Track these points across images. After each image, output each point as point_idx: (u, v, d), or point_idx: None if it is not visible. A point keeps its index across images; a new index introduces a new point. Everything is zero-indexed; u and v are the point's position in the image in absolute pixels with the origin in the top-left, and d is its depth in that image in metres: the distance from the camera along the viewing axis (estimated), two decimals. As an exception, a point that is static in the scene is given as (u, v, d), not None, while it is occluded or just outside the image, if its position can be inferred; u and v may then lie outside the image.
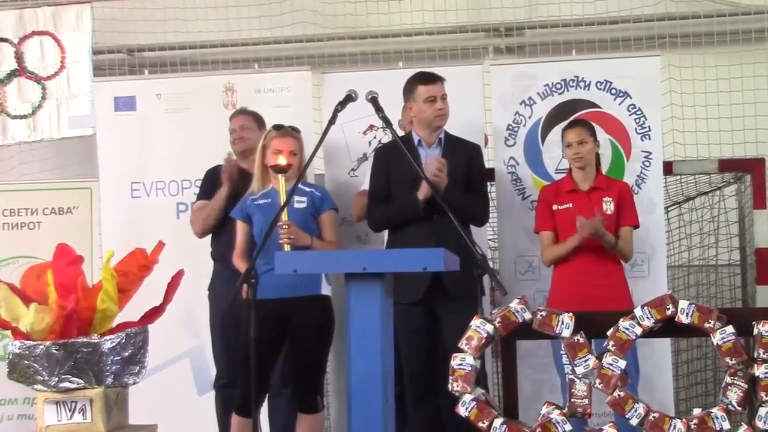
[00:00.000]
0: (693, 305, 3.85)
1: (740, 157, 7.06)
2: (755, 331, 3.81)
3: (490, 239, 6.50)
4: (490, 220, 5.99)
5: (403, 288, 4.83)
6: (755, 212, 6.76)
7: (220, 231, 5.66)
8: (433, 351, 5.30)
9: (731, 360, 3.80)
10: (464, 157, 5.43)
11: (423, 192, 5.18)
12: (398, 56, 7.43)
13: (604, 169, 5.89)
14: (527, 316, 3.93)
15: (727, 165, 6.84)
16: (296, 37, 8.29)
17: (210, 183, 5.77)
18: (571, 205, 5.47)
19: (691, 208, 7.57)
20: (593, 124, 5.74)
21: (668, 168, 6.61)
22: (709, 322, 3.82)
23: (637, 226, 5.58)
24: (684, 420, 3.82)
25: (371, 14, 8.26)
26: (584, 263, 5.38)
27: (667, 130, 7.22)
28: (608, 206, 5.46)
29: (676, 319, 3.85)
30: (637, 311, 3.87)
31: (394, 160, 5.30)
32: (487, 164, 6.26)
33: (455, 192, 5.22)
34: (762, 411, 3.77)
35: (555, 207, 5.52)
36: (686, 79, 7.56)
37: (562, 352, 4.80)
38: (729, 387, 3.80)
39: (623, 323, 3.86)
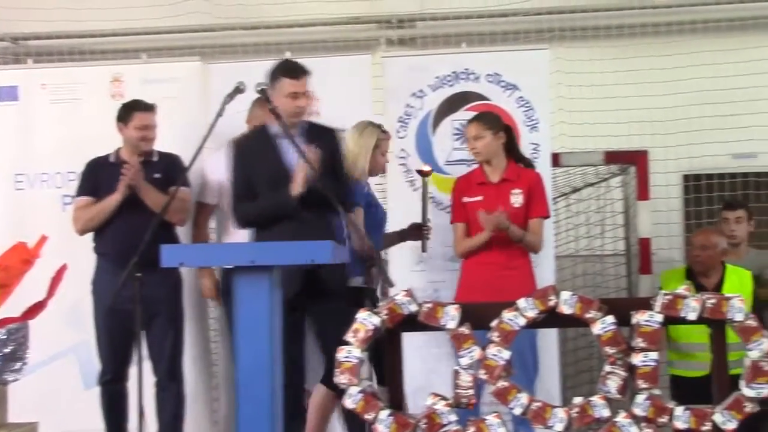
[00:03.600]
0: (575, 296, 3.91)
1: (625, 150, 7.20)
2: (633, 321, 3.89)
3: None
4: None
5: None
6: (639, 203, 6.94)
7: (103, 226, 5.56)
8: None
9: (611, 349, 3.88)
10: (328, 144, 5.15)
11: (297, 186, 4.95)
12: (290, 47, 7.39)
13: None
14: (413, 308, 3.95)
15: (612, 157, 6.99)
16: (186, 27, 8.20)
17: (91, 177, 5.66)
18: (481, 197, 5.53)
19: (579, 199, 7.71)
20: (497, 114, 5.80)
21: (556, 160, 6.73)
22: (590, 313, 3.89)
23: (547, 217, 5.67)
24: (565, 409, 3.89)
25: (263, 4, 8.22)
26: (491, 254, 5.45)
27: (555, 122, 7.35)
28: (517, 198, 5.53)
29: (558, 310, 3.91)
30: (521, 302, 3.92)
31: (254, 154, 5.10)
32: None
33: (328, 182, 4.95)
34: (639, 398, 3.86)
35: (466, 199, 5.58)
36: (574, 72, 7.69)
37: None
38: (608, 375, 3.87)
39: (507, 314, 3.91)
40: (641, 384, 3.86)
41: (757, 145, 7.88)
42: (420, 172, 5.89)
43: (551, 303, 3.91)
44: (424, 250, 5.84)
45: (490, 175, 5.62)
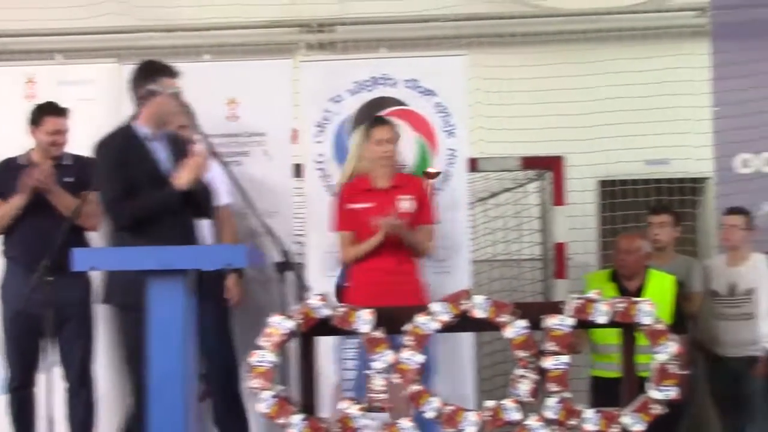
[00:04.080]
0: (488, 300, 3.96)
1: (542, 155, 7.28)
2: (545, 325, 3.95)
3: (297, 234, 6.50)
4: (299, 215, 6.02)
5: None
6: (555, 208, 7.02)
7: (13, 229, 5.47)
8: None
9: (523, 353, 3.93)
10: (185, 152, 5.02)
11: (184, 180, 4.85)
12: (208, 50, 7.32)
13: (412, 167, 6.06)
14: (327, 312, 3.96)
15: (528, 163, 7.07)
16: (103, 28, 8.09)
17: (2, 177, 5.57)
18: (372, 204, 5.52)
19: (497, 204, 7.78)
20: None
21: (473, 165, 6.77)
22: (503, 316, 3.94)
23: (436, 223, 5.69)
24: (478, 412, 3.93)
25: (182, 7, 8.14)
26: (380, 260, 5.45)
27: (473, 128, 7.40)
28: (409, 204, 5.55)
29: (471, 314, 3.94)
30: (434, 306, 3.95)
31: (128, 154, 4.92)
32: (295, 160, 6.31)
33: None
34: (550, 401, 3.92)
35: (353, 206, 5.55)
36: (492, 78, 7.74)
37: (344, 348, 4.94)
38: (520, 379, 3.92)
39: (420, 318, 3.94)
40: (552, 387, 3.92)
41: (669, 152, 8.01)
42: (427, 174, 5.93)
43: (464, 307, 3.94)
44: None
45: (378, 181, 5.61)
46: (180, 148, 5.01)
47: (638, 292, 6.12)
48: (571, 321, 3.92)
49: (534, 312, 3.98)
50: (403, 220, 5.44)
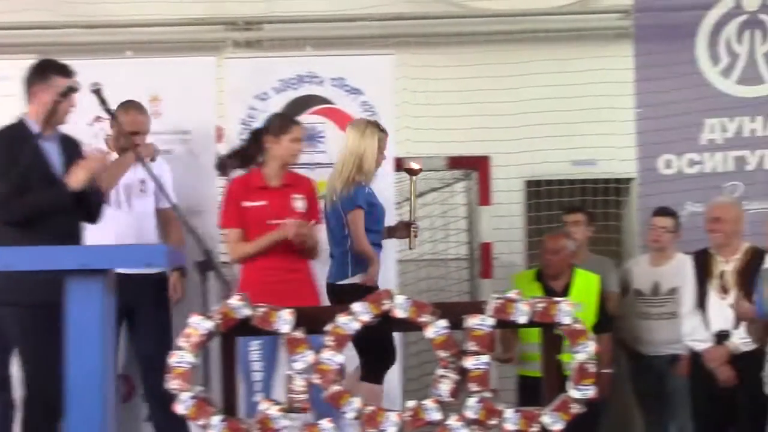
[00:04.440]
0: (409, 300, 3.95)
1: (468, 155, 7.30)
2: (466, 325, 3.95)
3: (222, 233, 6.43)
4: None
5: None
6: (481, 208, 7.04)
7: None
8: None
9: (443, 353, 3.92)
10: (78, 156, 5.02)
11: (76, 180, 4.81)
12: (133, 47, 7.22)
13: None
14: (247, 312, 3.92)
15: (454, 163, 7.10)
16: (26, 23, 7.94)
17: None
18: (265, 202, 5.48)
19: (424, 203, 7.77)
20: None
21: (400, 165, 6.77)
22: (424, 316, 3.93)
23: (320, 223, 5.70)
24: (398, 412, 3.92)
25: (107, 3, 8.02)
26: (272, 259, 5.41)
27: (400, 127, 7.41)
28: (300, 203, 5.53)
29: (392, 314, 3.93)
30: (355, 306, 3.93)
31: (20, 150, 4.77)
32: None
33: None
34: (470, 401, 3.92)
35: (246, 204, 5.50)
36: (420, 78, 7.76)
37: (251, 349, 4.93)
38: (441, 379, 3.92)
39: (341, 318, 3.92)
40: (473, 387, 3.92)
41: (596, 153, 8.08)
42: (408, 171, 5.95)
43: (385, 307, 3.93)
44: (411, 247, 5.93)
45: (271, 179, 5.57)
46: (72, 148, 4.97)
47: (564, 292, 6.20)
48: (491, 321, 3.93)
49: (455, 312, 3.98)
50: (304, 220, 5.43)
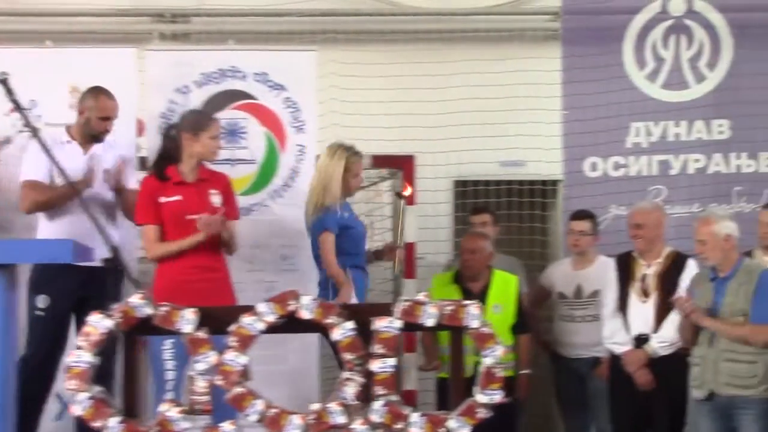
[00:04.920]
0: (315, 301, 3.89)
1: (393, 154, 7.25)
2: (373, 327, 3.90)
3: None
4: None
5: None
6: (405, 208, 6.98)
7: None
8: None
9: (350, 355, 3.87)
10: None
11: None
12: (58, 37, 7.07)
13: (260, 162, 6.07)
14: (148, 311, 3.83)
15: (380, 161, 7.02)
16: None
17: None
18: (180, 197, 5.39)
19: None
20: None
21: (324, 162, 6.70)
22: (330, 318, 3.87)
23: (238, 218, 5.63)
24: (302, 415, 3.85)
25: (33, -8, 7.86)
26: (191, 257, 5.32)
27: (328, 124, 7.36)
28: (216, 199, 5.45)
29: (298, 315, 3.87)
30: (260, 306, 3.86)
31: None
32: (141, 153, 6.14)
33: None
34: (376, 405, 3.87)
35: (162, 199, 5.40)
36: (348, 75, 7.70)
37: (164, 348, 4.82)
38: (346, 381, 3.86)
39: (245, 319, 3.85)
40: (379, 390, 3.87)
41: (524, 154, 8.08)
42: (399, 195, 5.96)
43: (291, 308, 3.87)
44: (395, 271, 5.78)
45: (187, 175, 5.49)
46: None
47: (482, 293, 6.17)
48: (399, 324, 3.88)
49: (363, 314, 3.92)
50: (221, 215, 5.34)
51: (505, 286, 6.29)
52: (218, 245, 5.41)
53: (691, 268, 6.07)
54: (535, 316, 6.76)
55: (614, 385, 6.22)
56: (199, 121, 5.53)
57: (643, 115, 7.50)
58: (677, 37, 7.49)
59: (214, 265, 5.41)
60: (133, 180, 5.73)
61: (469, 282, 6.19)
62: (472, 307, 3.93)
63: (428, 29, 8.07)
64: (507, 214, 7.91)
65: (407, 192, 5.97)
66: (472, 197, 7.98)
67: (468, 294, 6.02)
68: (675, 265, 6.11)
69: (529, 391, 6.43)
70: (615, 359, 6.17)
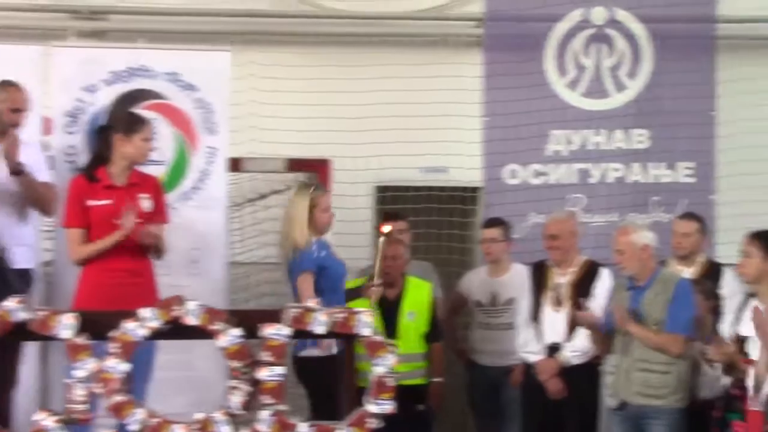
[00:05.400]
0: (201, 306, 3.78)
1: (309, 158, 7.14)
2: (262, 334, 3.79)
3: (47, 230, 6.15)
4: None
5: None
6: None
7: None
8: None
9: (236, 363, 3.76)
10: None
11: None
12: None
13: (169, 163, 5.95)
14: (25, 315, 3.68)
15: (294, 165, 6.93)
16: None
17: None
18: (110, 201, 5.30)
19: (266, 206, 7.59)
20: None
21: (239, 165, 6.60)
22: (217, 324, 3.77)
23: (167, 222, 5.54)
24: (184, 425, 3.73)
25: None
26: (117, 260, 5.23)
27: (245, 127, 7.23)
28: (146, 203, 5.36)
29: (183, 321, 3.76)
30: (143, 312, 3.74)
31: None
32: (50, 152, 5.98)
33: None
34: (263, 414, 3.76)
35: (90, 203, 5.32)
36: (267, 77, 7.56)
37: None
38: (232, 390, 3.75)
39: (128, 325, 3.72)
40: (266, 399, 3.77)
41: (446, 160, 7.99)
42: (379, 231, 5.82)
43: (176, 313, 3.75)
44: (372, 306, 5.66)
45: (117, 178, 5.40)
46: None
47: (397, 300, 6.12)
48: (287, 331, 3.78)
49: (252, 320, 3.82)
50: (145, 219, 5.24)
51: (419, 294, 6.24)
52: (145, 249, 5.33)
53: (604, 278, 6.10)
54: (451, 324, 6.72)
55: (526, 394, 6.20)
56: (131, 122, 5.48)
57: (564, 123, 7.51)
58: (598, 46, 7.51)
59: (140, 269, 5.33)
60: (46, 174, 5.59)
61: (386, 288, 6.11)
62: (364, 315, 3.84)
63: (351, 33, 7.93)
64: (427, 221, 7.82)
65: (386, 228, 5.84)
66: (393, 203, 7.89)
67: (382, 301, 5.95)
68: (588, 275, 6.13)
69: (442, 399, 6.37)
70: (528, 368, 6.15)
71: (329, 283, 5.54)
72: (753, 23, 7.73)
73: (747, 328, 4.91)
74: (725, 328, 5.48)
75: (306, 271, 5.44)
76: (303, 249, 5.49)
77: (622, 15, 7.49)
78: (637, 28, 7.49)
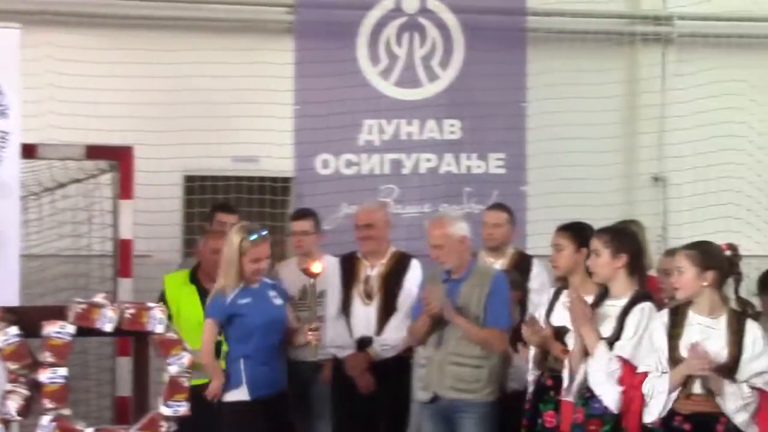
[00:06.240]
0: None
1: (109, 145, 6.79)
2: (44, 332, 3.51)
3: None
4: None
5: None
6: (122, 202, 6.58)
7: None
8: None
9: (13, 365, 3.47)
10: None
11: None
12: None
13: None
14: None
15: (94, 152, 6.57)
16: None
17: None
18: None
19: (65, 195, 7.21)
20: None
21: (33, 151, 6.21)
22: (-8, 323, 3.46)
23: None
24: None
25: None
26: None
27: (43, 111, 6.85)
28: None
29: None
30: None
31: None
32: None
33: None
34: (44, 419, 3.49)
35: None
36: (69, 60, 7.21)
37: None
38: (9, 395, 3.46)
39: None
40: (47, 404, 3.49)
41: (257, 149, 7.78)
42: (306, 272, 5.59)
43: (-54, 312, 3.43)
44: (314, 353, 5.62)
45: None
46: None
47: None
48: (72, 329, 3.51)
49: (33, 317, 3.53)
50: None
51: None
52: None
53: (415, 269, 6.08)
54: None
55: (337, 389, 6.14)
56: None
57: (377, 113, 7.44)
58: (411, 34, 7.46)
59: None
60: None
61: (210, 282, 5.87)
62: (157, 311, 3.61)
63: (159, 16, 7.61)
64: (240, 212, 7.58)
65: (317, 268, 5.54)
66: (202, 193, 7.62)
67: (206, 294, 5.72)
68: (399, 266, 6.11)
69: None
70: (338, 362, 6.06)
71: (238, 332, 5.35)
72: (561, 17, 7.83)
73: (559, 318, 4.94)
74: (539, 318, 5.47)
75: (210, 318, 5.31)
76: (218, 294, 5.33)
77: (434, 4, 7.46)
78: (449, 18, 7.47)
